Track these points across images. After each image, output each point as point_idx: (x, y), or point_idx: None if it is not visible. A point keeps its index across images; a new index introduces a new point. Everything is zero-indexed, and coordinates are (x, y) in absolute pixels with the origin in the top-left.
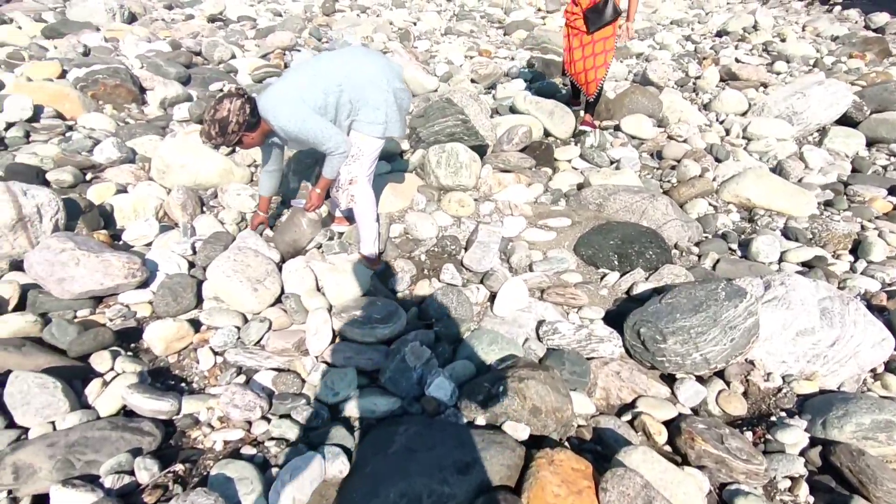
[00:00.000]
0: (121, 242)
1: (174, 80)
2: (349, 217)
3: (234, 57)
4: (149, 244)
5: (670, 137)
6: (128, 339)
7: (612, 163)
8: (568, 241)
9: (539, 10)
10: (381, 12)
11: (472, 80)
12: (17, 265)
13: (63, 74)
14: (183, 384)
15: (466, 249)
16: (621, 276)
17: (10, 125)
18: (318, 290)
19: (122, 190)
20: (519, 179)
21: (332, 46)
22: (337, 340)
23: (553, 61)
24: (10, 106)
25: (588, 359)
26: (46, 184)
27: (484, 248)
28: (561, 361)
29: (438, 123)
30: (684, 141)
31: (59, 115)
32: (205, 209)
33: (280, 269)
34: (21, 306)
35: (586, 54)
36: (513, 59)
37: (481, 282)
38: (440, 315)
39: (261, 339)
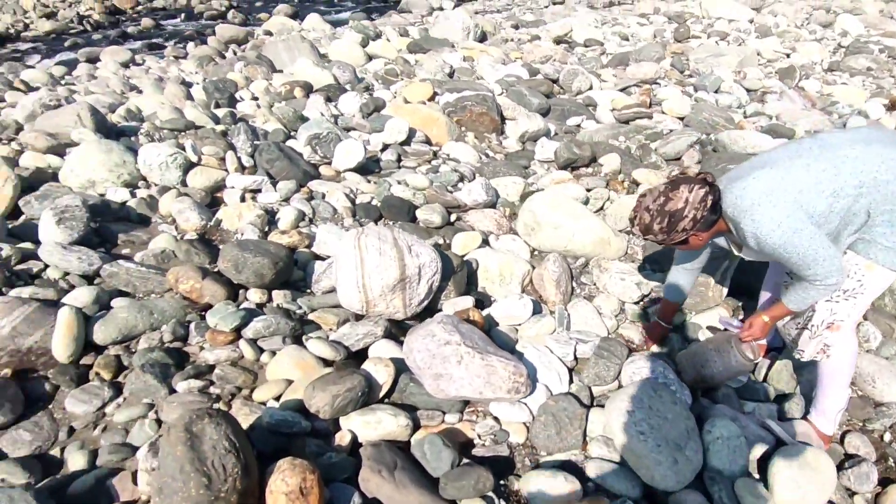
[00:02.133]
0: (484, 312)
1: (536, 112)
2: (775, 347)
3: (590, 88)
4: (516, 325)
5: None
6: (498, 471)
7: None
8: None
9: None
10: (745, 39)
11: None
12: (388, 332)
13: (433, 97)
14: None
15: None
16: None
17: (385, 146)
18: (754, 473)
19: (485, 240)
20: None
21: (700, 82)
22: None
23: None
24: (390, 128)
25: None
26: (413, 220)
27: None
28: None
29: None
30: None
31: (427, 140)
32: (574, 286)
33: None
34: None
35: None
36: None
37: None
38: None
39: None
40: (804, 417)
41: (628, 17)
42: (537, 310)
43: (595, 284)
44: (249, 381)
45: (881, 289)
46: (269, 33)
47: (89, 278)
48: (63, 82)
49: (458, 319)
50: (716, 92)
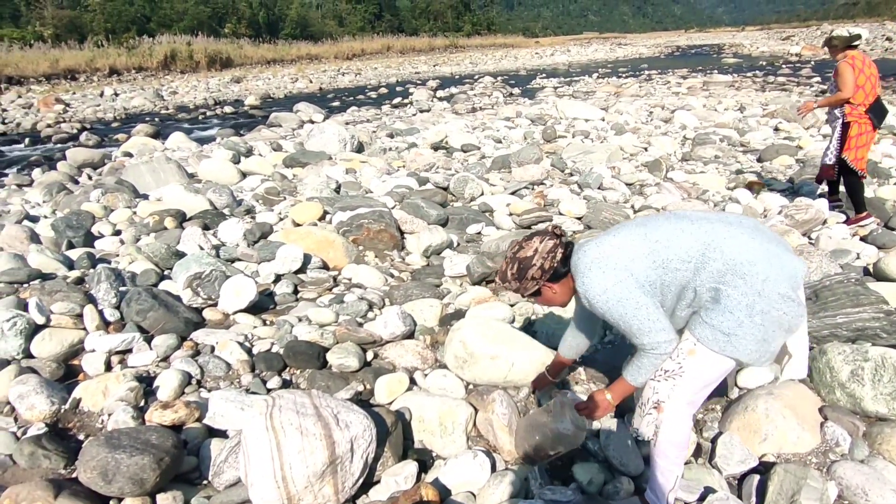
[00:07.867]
0: (430, 477)
1: (436, 224)
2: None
3: (482, 193)
4: (473, 491)
5: None
6: None
7: None
8: None
9: None
10: (605, 137)
11: None
12: None
13: (324, 216)
14: None
15: None
16: None
17: (278, 277)
18: None
19: (411, 379)
20: None
21: (583, 180)
22: None
23: None
24: (282, 256)
25: None
26: (324, 366)
27: None
28: None
29: (843, 314)
30: None
31: (324, 266)
32: None
33: None
34: None
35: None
36: None
37: None
38: None
39: None
40: (639, 495)
41: (495, 121)
42: (492, 459)
43: None
44: None
45: (706, 374)
46: (128, 154)
47: None
48: None
49: None
50: (599, 188)
